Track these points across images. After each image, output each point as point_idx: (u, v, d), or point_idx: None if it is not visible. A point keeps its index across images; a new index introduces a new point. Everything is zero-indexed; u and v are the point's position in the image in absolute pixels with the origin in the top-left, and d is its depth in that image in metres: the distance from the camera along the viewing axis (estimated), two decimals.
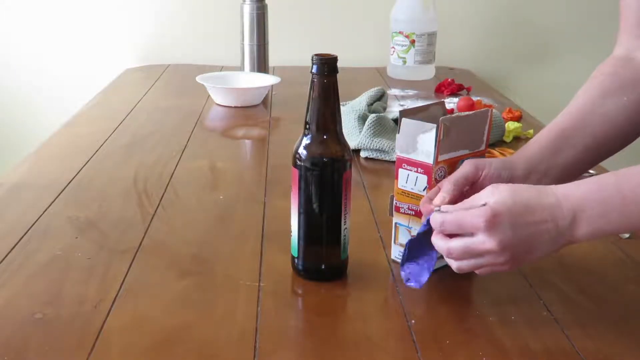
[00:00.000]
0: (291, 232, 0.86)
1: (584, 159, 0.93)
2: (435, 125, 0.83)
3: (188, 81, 1.81)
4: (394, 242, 0.91)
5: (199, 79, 1.71)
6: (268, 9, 1.82)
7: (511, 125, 1.44)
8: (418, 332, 0.76)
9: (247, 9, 1.81)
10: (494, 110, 1.40)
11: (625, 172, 0.75)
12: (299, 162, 0.83)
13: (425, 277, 0.81)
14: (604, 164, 1.29)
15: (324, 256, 0.86)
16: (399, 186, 0.88)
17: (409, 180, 0.87)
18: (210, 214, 1.07)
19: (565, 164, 0.91)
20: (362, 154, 1.31)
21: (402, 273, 0.82)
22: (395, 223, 0.90)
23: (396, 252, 0.91)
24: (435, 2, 1.98)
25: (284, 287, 0.85)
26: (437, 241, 0.78)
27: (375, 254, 0.94)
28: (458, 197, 0.82)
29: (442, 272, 0.89)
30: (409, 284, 0.82)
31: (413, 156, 0.86)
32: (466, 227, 0.74)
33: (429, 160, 0.84)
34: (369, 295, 0.84)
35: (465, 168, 0.84)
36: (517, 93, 2.12)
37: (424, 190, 0.85)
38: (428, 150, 0.84)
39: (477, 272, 0.78)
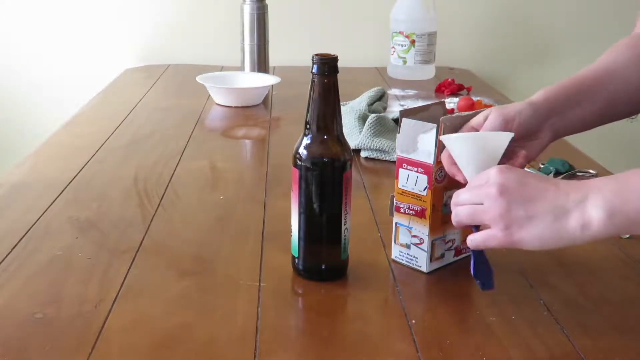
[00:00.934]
0: (291, 232, 0.86)
1: (601, 114, 0.93)
2: (435, 125, 0.83)
3: (188, 81, 1.81)
4: (395, 242, 0.91)
5: (199, 79, 1.71)
6: (268, 9, 1.82)
7: None
8: (418, 332, 0.76)
9: (247, 9, 1.81)
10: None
11: None
12: (299, 162, 0.83)
13: (492, 277, 0.81)
14: (605, 164, 1.29)
15: (324, 256, 0.86)
16: (400, 186, 0.88)
17: (410, 180, 0.87)
18: (211, 214, 1.07)
19: (583, 116, 0.92)
20: (362, 154, 1.31)
21: (478, 283, 0.81)
22: (396, 223, 0.90)
23: (396, 252, 0.91)
24: (435, 2, 1.98)
25: (284, 287, 0.85)
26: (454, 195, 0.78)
27: (375, 254, 0.94)
28: None
29: (443, 272, 0.89)
30: (485, 289, 0.81)
31: (413, 156, 0.86)
32: (481, 176, 0.75)
33: (430, 160, 0.84)
34: (369, 295, 0.84)
35: (494, 123, 0.83)
36: (517, 93, 2.12)
37: (424, 190, 0.85)
38: (428, 150, 0.84)
39: (470, 242, 0.77)
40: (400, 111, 0.87)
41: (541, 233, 0.70)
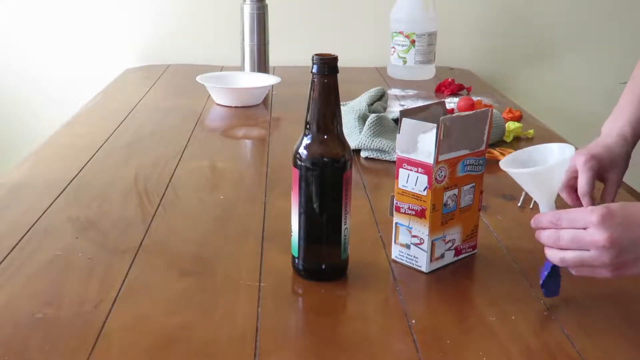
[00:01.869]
0: (291, 232, 0.86)
1: None
2: (435, 125, 0.83)
3: (188, 81, 1.81)
4: (395, 242, 0.91)
5: (199, 79, 1.71)
6: (268, 9, 1.82)
7: (511, 125, 1.44)
8: (418, 332, 0.76)
9: (247, 9, 1.81)
10: (494, 110, 1.41)
11: None
12: (299, 162, 0.83)
13: (559, 285, 0.82)
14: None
15: (324, 256, 0.86)
16: (400, 186, 0.88)
17: (410, 180, 0.87)
18: (211, 214, 1.07)
19: None
20: (362, 154, 1.31)
21: (543, 290, 0.82)
22: (396, 223, 0.90)
23: (397, 252, 0.91)
24: (435, 2, 1.98)
25: (284, 287, 0.85)
26: (549, 232, 0.78)
27: (375, 254, 0.94)
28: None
29: (443, 272, 0.89)
30: (549, 296, 0.82)
31: (413, 156, 0.86)
32: (578, 220, 0.75)
33: (430, 160, 0.84)
34: (369, 295, 0.84)
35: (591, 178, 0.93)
36: (517, 93, 2.13)
37: (424, 190, 0.85)
38: (429, 150, 0.84)
39: (574, 272, 0.78)
40: (401, 111, 0.87)
41: None
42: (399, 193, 0.88)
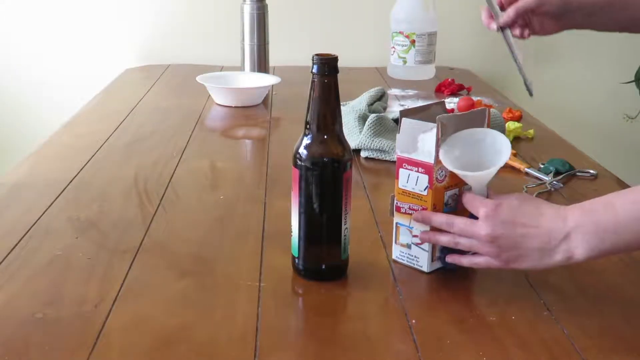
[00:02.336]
0: (291, 232, 0.86)
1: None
2: (436, 124, 0.83)
3: (188, 81, 1.81)
4: (395, 242, 0.91)
5: (199, 79, 1.71)
6: (268, 9, 1.82)
7: (511, 125, 1.44)
8: (418, 332, 0.76)
9: (247, 9, 1.80)
10: (494, 110, 1.41)
11: (624, 191, 0.79)
12: (299, 162, 0.83)
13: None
14: (605, 164, 1.29)
15: (324, 256, 0.86)
16: (400, 186, 0.88)
17: (410, 180, 0.87)
18: (211, 214, 1.07)
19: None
20: (362, 154, 1.31)
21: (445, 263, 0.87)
22: (396, 223, 0.90)
23: (397, 252, 0.91)
24: (435, 2, 1.98)
25: (284, 287, 0.85)
26: (444, 217, 0.84)
27: (375, 254, 0.93)
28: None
29: (443, 272, 0.89)
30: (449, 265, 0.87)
31: (414, 156, 0.86)
32: (470, 207, 0.82)
33: (430, 159, 0.84)
34: (369, 295, 0.84)
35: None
36: (517, 93, 2.12)
37: (424, 190, 0.85)
38: (429, 149, 0.84)
39: (468, 262, 0.84)
40: (401, 111, 0.87)
41: (532, 265, 0.80)
42: (399, 193, 0.88)
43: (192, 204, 1.11)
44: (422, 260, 0.88)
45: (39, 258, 0.91)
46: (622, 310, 0.81)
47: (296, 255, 0.86)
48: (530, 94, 1.15)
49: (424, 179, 0.85)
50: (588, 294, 0.85)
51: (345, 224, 0.85)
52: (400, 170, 0.87)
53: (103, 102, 1.75)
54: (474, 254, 0.83)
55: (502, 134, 0.85)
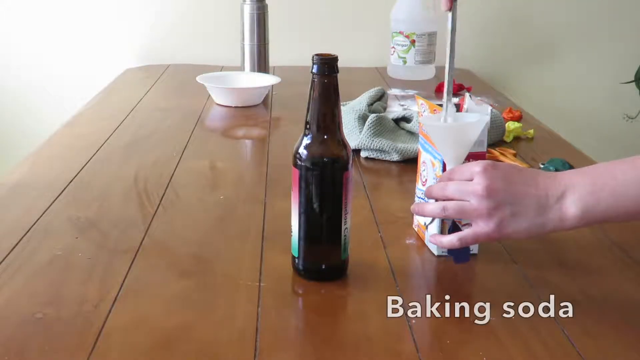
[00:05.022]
0: (291, 232, 0.86)
1: None
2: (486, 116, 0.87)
3: (188, 81, 1.81)
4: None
5: (199, 79, 1.71)
6: (268, 9, 1.82)
7: (511, 125, 1.44)
8: (418, 332, 0.76)
9: (247, 9, 1.81)
10: (494, 110, 1.41)
11: (626, 158, 0.77)
12: (299, 162, 0.83)
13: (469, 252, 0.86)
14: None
15: (324, 256, 0.86)
16: None
17: None
18: (211, 214, 1.07)
19: None
20: (362, 154, 1.31)
21: (453, 257, 0.86)
22: (442, 219, 0.89)
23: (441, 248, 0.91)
24: (435, 2, 1.98)
25: (284, 287, 0.85)
26: (440, 184, 0.83)
27: (375, 254, 0.94)
28: None
29: (443, 272, 0.89)
30: (459, 262, 0.86)
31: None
32: (465, 172, 0.80)
33: (482, 148, 0.87)
34: (369, 295, 0.84)
35: None
36: (517, 93, 2.12)
37: None
38: (481, 139, 0.86)
39: (448, 241, 0.82)
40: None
41: (526, 227, 0.78)
42: None
43: (192, 204, 1.11)
44: (472, 246, 0.90)
45: (39, 258, 0.91)
46: (622, 310, 0.82)
47: (296, 255, 0.86)
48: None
49: None
50: (588, 294, 0.85)
51: (345, 224, 0.85)
52: (448, 167, 0.88)
53: (103, 102, 1.75)
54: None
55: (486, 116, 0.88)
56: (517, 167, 0.81)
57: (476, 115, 0.87)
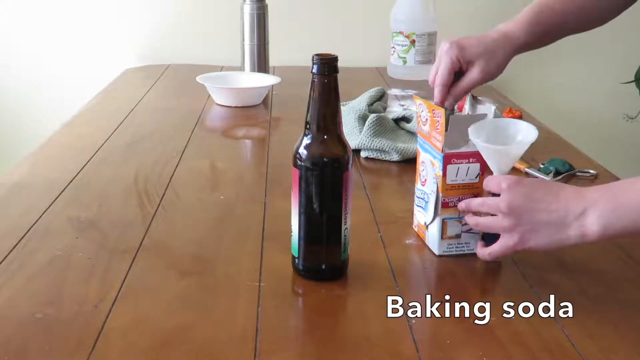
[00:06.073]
0: (291, 232, 0.86)
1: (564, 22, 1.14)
2: (486, 115, 0.89)
3: (188, 81, 1.81)
4: (442, 239, 0.92)
5: (199, 79, 1.71)
6: (268, 9, 1.82)
7: None
8: (418, 332, 0.76)
9: (247, 9, 1.81)
10: (494, 110, 1.40)
11: None
12: (299, 162, 0.83)
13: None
14: (605, 164, 1.29)
15: (324, 256, 0.86)
16: (448, 182, 0.90)
17: (460, 173, 0.89)
18: (211, 214, 1.07)
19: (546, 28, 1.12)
20: (362, 154, 1.31)
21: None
22: (443, 219, 0.91)
23: (444, 247, 0.92)
24: (435, 2, 1.98)
25: (284, 287, 0.85)
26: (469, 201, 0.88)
27: (375, 254, 0.94)
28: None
29: (443, 272, 0.89)
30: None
31: (464, 149, 0.88)
32: (492, 185, 0.84)
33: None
34: (369, 295, 0.84)
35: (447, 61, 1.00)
36: (517, 93, 2.12)
37: (476, 177, 0.89)
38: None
39: (485, 253, 0.85)
40: (450, 116, 0.90)
41: (547, 242, 0.80)
42: (446, 189, 0.90)
43: (192, 204, 1.11)
44: (473, 243, 0.91)
45: (39, 258, 0.91)
46: (622, 310, 0.82)
47: (296, 255, 0.86)
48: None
49: (475, 168, 0.89)
50: (588, 294, 0.85)
51: (345, 224, 0.85)
52: (449, 167, 0.89)
53: (103, 102, 1.75)
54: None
55: (526, 123, 0.89)
56: (543, 182, 0.85)
57: (525, 132, 0.88)
